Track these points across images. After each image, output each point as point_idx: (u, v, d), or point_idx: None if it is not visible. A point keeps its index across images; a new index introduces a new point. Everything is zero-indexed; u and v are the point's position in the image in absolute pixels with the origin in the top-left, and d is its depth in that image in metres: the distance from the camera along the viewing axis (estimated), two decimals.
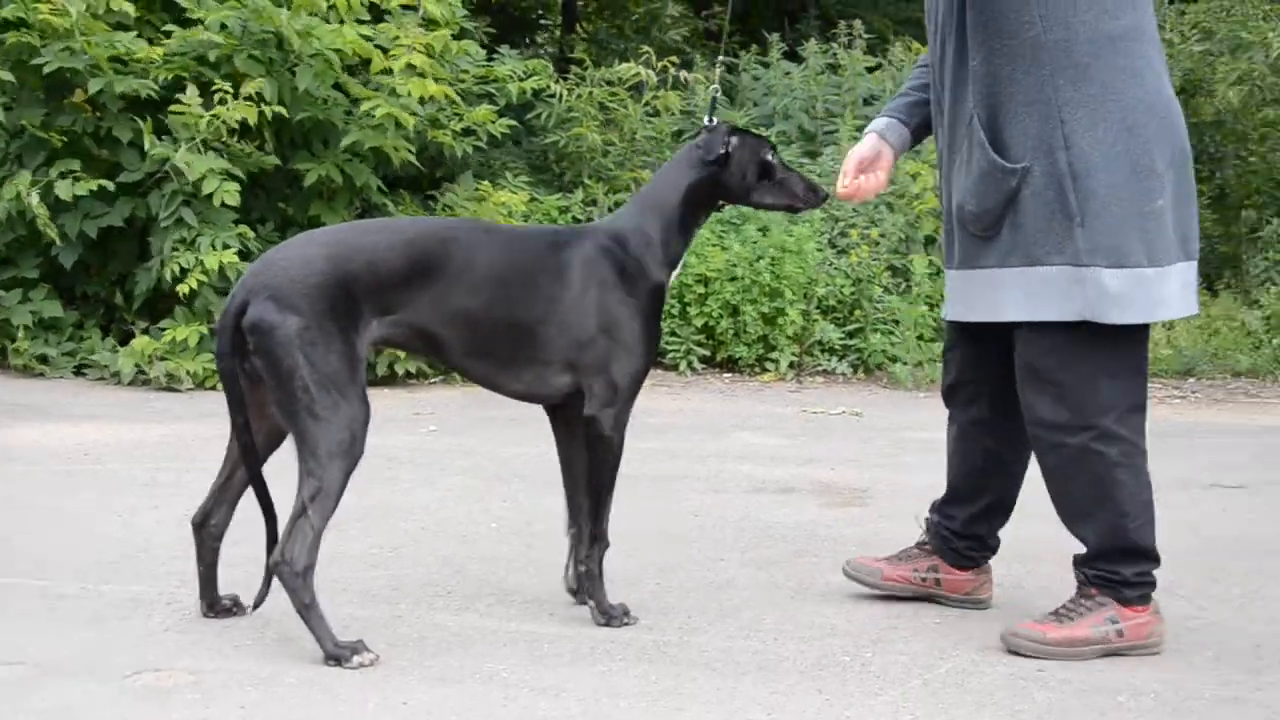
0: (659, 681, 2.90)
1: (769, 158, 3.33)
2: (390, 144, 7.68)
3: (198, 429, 6.05)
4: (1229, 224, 9.98)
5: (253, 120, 7.32)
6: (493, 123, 8.27)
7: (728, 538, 4.30)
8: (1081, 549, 3.22)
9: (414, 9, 8.00)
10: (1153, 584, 3.17)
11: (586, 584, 3.31)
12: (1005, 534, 3.60)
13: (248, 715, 2.68)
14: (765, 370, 8.34)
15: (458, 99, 8.10)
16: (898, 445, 6.09)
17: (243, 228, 7.42)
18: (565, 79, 9.50)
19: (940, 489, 3.57)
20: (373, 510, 4.54)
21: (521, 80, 8.77)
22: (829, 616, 3.43)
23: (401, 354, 7.60)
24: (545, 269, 3.15)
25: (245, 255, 7.40)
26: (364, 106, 7.58)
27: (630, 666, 3.00)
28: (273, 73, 7.56)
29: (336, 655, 2.95)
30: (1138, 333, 3.11)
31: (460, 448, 5.86)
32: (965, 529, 3.50)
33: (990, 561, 3.56)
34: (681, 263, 3.34)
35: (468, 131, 8.33)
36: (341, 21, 7.71)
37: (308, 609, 2.96)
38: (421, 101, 7.76)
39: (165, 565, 3.78)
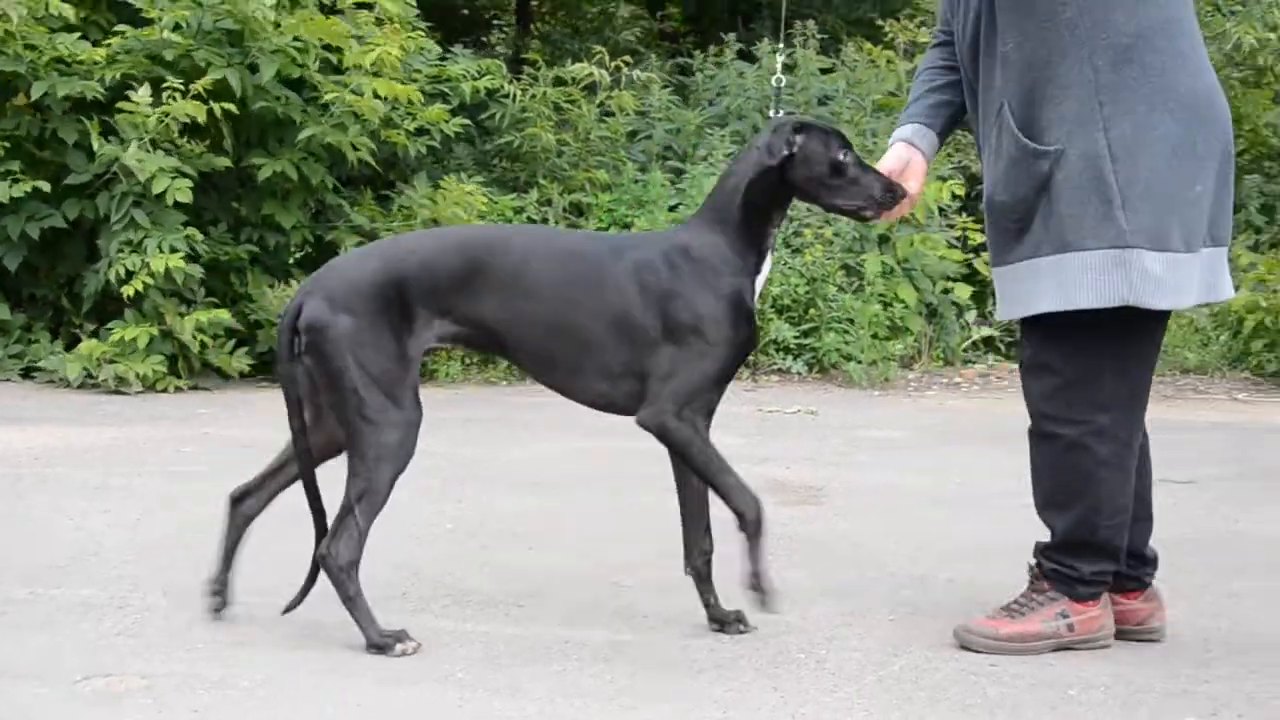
0: (615, 681, 2.91)
1: (841, 156, 3.09)
2: (350, 140, 7.65)
3: (148, 432, 6.00)
4: None
5: (201, 118, 7.26)
6: (446, 122, 8.25)
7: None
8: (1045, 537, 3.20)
9: (369, 7, 7.97)
10: (1108, 583, 3.16)
11: (751, 549, 3.13)
12: (960, 531, 3.63)
13: (200, 719, 2.66)
14: None
15: (418, 98, 8.08)
16: (852, 444, 6.12)
17: (191, 230, 7.36)
18: (519, 79, 9.49)
19: (895, 488, 3.56)
20: (329, 511, 4.50)
21: (475, 80, 8.75)
22: (784, 614, 3.44)
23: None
24: (606, 277, 3.06)
25: (194, 258, 7.36)
26: (328, 97, 7.53)
27: (586, 666, 3.01)
28: (232, 66, 7.50)
29: (381, 644, 3.01)
30: (1151, 330, 3.06)
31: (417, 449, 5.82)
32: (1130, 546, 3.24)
33: (1156, 584, 3.30)
34: (768, 265, 3.16)
35: (421, 131, 8.30)
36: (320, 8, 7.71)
37: (352, 600, 3.03)
38: (379, 98, 7.73)
39: (117, 569, 3.75)
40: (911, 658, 3.11)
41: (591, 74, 9.29)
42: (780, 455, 5.80)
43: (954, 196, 9.03)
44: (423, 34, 8.62)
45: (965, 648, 3.13)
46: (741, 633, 3.21)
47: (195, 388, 7.45)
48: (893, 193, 3.13)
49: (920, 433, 6.60)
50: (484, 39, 13.16)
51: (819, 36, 10.62)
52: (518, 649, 3.11)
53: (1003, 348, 9.37)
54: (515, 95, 9.15)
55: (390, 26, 7.68)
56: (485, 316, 3.05)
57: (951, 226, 9.21)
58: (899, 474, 5.41)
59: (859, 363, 8.17)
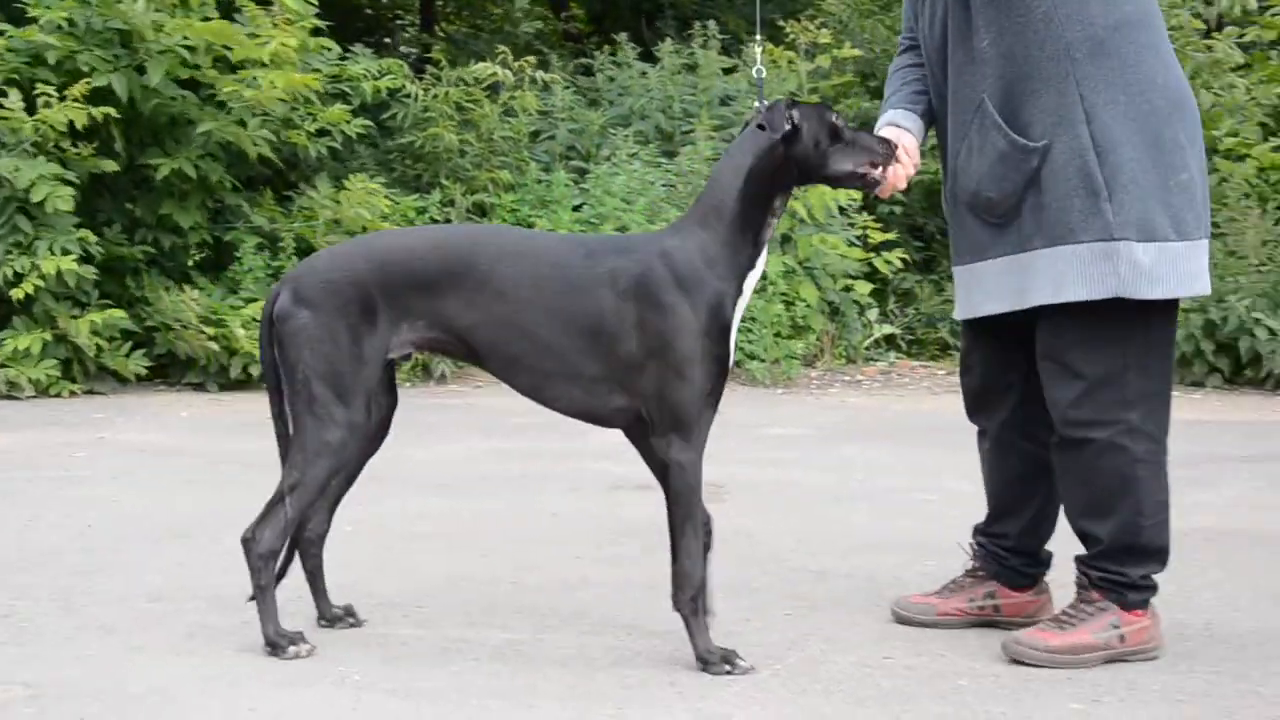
0: (512, 680, 2.91)
1: (834, 119, 3.03)
2: (249, 135, 7.55)
3: (40, 437, 5.89)
4: None
5: (80, 122, 7.12)
6: (347, 122, 8.19)
7: (584, 535, 4.32)
8: (1080, 549, 3.14)
9: (269, 4, 7.88)
10: (1155, 588, 3.08)
11: (686, 626, 3.01)
12: (859, 526, 3.66)
13: None
14: None
15: (315, 95, 8.01)
16: (755, 442, 6.16)
17: (84, 232, 7.23)
18: (421, 79, 9.43)
19: (796, 485, 3.58)
20: (225, 515, 4.45)
21: (376, 80, 8.69)
22: None
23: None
24: (579, 282, 2.96)
25: (88, 259, 7.23)
26: (226, 88, 7.42)
27: (483, 665, 3.00)
28: (120, 70, 7.38)
29: (275, 642, 2.98)
30: (1169, 319, 3.04)
31: None
32: (1019, 544, 3.32)
33: (1047, 580, 3.36)
34: (762, 262, 3.05)
35: (322, 132, 8.23)
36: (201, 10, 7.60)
37: (262, 590, 2.99)
38: (282, 97, 7.65)
39: (4, 577, 3.67)
40: (808, 652, 3.14)
41: (494, 74, 9.26)
42: None
43: (850, 198, 9.12)
44: (322, 33, 8.54)
45: (1016, 661, 3.02)
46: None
47: (90, 392, 7.33)
48: (888, 144, 3.07)
49: (822, 430, 6.66)
50: (388, 40, 13.07)
51: (720, 37, 10.68)
52: (415, 650, 3.09)
53: (904, 345, 9.50)
54: (417, 95, 9.10)
55: (284, 19, 7.58)
56: (452, 320, 2.98)
57: (852, 225, 9.30)
58: (800, 471, 5.46)
59: (761, 361, 8.23)
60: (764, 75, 3.38)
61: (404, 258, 2.99)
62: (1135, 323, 2.97)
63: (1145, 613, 3.06)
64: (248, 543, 3.01)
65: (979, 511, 4.76)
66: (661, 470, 3.02)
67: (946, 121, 3.18)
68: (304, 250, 8.16)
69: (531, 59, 9.87)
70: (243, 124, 7.59)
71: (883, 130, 3.25)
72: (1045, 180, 2.96)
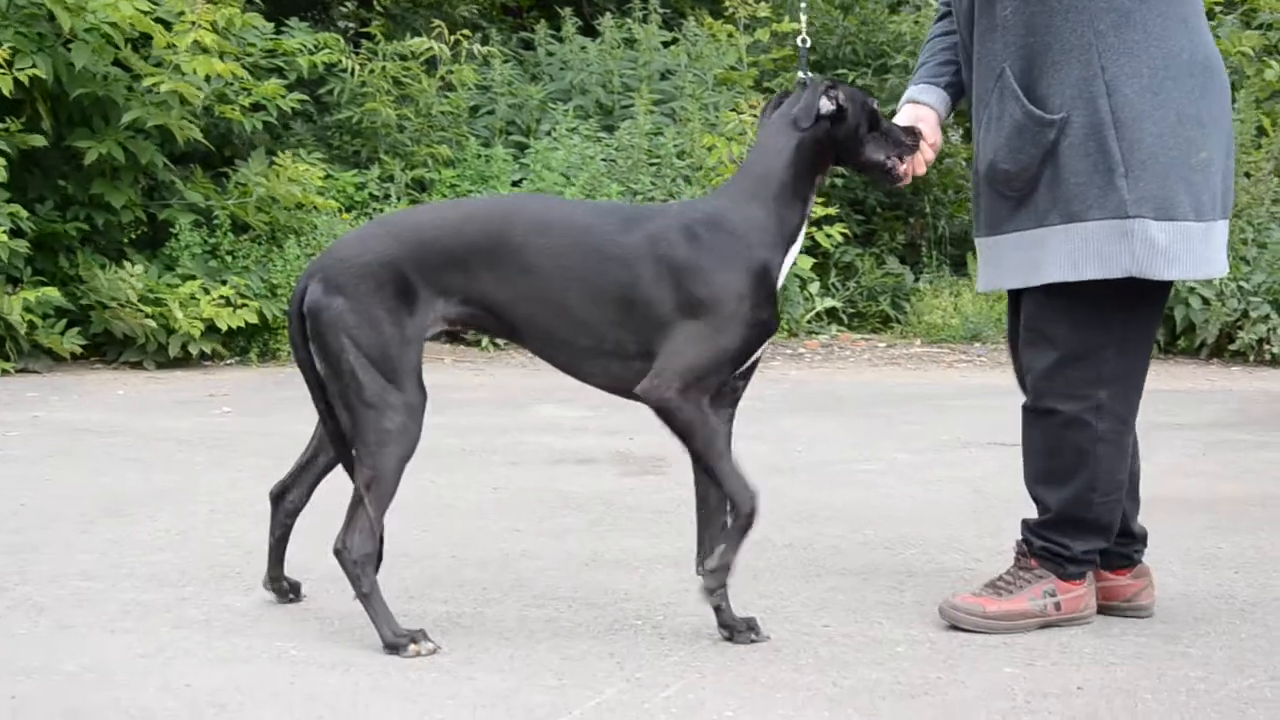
0: (452, 652, 2.90)
1: (874, 106, 3.05)
2: (175, 121, 7.45)
3: None
4: None
5: (6, 89, 7.00)
6: (283, 97, 8.10)
7: (525, 509, 4.31)
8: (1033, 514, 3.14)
9: None
10: (1096, 561, 3.09)
11: (733, 542, 2.95)
12: (800, 497, 3.66)
13: (19, 707, 2.59)
14: None
15: (245, 74, 7.90)
16: None
17: (15, 206, 7.12)
18: (358, 53, 9.35)
19: (738, 456, 3.52)
20: (161, 494, 4.43)
21: (312, 54, 8.60)
22: (623, 582, 3.47)
23: (195, 331, 7.43)
24: (616, 252, 2.87)
25: (18, 233, 7.13)
26: (147, 81, 7.32)
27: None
28: (45, 49, 7.25)
29: (395, 644, 2.86)
30: (1158, 303, 3.00)
31: (256, 428, 5.75)
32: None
33: (1146, 560, 3.25)
34: (801, 237, 3.01)
35: (257, 107, 8.14)
36: None
37: (367, 598, 2.89)
38: (208, 79, 7.55)
39: None
40: (746, 620, 3.15)
41: (431, 48, 9.20)
42: (626, 427, 5.83)
43: None
44: (258, 6, 8.44)
45: (954, 626, 3.04)
46: (753, 641, 2.96)
47: (25, 370, 7.23)
48: (915, 136, 3.09)
49: (764, 403, 6.68)
50: (327, 14, 12.91)
51: (660, 11, 10.66)
52: (353, 624, 3.07)
53: (845, 319, 9.54)
54: (354, 70, 9.01)
55: (202, 8, 7.46)
56: (488, 296, 2.89)
57: None
58: (743, 443, 5.40)
59: None
60: (809, 44, 3.31)
61: (435, 234, 2.88)
62: (1123, 301, 2.93)
63: (1082, 581, 3.09)
64: (340, 553, 2.89)
65: (916, 484, 4.82)
66: (663, 416, 2.89)
67: (971, 88, 3.12)
68: (239, 227, 8.08)
69: (469, 33, 9.81)
70: (168, 107, 7.45)
71: (904, 106, 3.25)
72: (1062, 154, 2.89)
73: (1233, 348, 8.29)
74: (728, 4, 10.93)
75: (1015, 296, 3.16)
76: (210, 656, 2.86)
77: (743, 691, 2.68)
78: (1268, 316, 8.13)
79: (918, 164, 3.16)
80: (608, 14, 10.79)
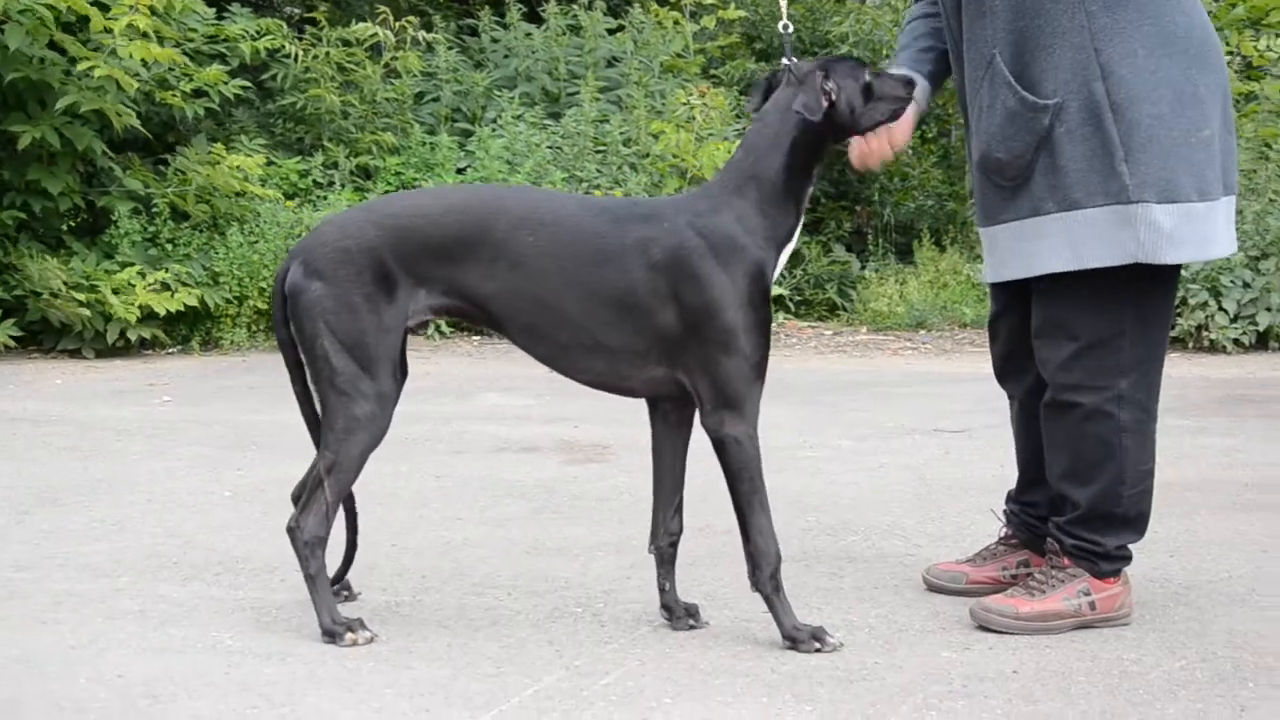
0: (390, 641, 2.88)
1: (867, 77, 2.92)
2: (112, 107, 7.35)
3: None
4: (954, 183, 10.43)
5: None
6: (225, 84, 8.02)
7: (467, 497, 4.30)
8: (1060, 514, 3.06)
9: None
10: (1129, 558, 3.02)
11: (769, 606, 2.90)
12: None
13: None
14: None
15: (186, 60, 7.81)
16: (641, 402, 6.15)
17: None
18: (302, 39, 9.26)
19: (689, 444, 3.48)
20: (97, 483, 4.38)
21: (254, 40, 8.51)
22: (563, 570, 3.47)
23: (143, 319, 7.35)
24: (606, 252, 2.82)
25: None
26: (81, 66, 7.21)
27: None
28: None
29: (332, 631, 2.85)
30: (1170, 284, 2.94)
31: (195, 417, 5.69)
32: (1051, 513, 3.14)
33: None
34: (798, 234, 2.94)
35: (199, 92, 8.05)
36: None
37: (313, 579, 2.87)
38: (146, 65, 7.45)
39: None
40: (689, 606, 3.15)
41: (376, 34, 9.13)
42: (571, 415, 5.83)
43: None
44: None
45: (984, 627, 2.96)
46: (692, 628, 2.98)
47: None
48: (909, 83, 2.98)
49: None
50: (273, 2, 12.79)
51: None
52: (290, 614, 3.05)
53: (792, 306, 9.56)
54: (297, 56, 8.93)
55: None
56: (470, 288, 2.84)
57: None
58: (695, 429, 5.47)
59: None
60: (791, 30, 3.20)
61: (418, 223, 2.83)
62: (1136, 287, 2.87)
63: (1117, 580, 3.01)
64: (292, 532, 2.86)
65: (860, 470, 4.84)
66: (716, 448, 2.90)
67: (959, 78, 3.07)
68: (179, 215, 8.00)
69: (414, 19, 9.75)
70: (105, 93, 7.35)
71: None
72: (1058, 140, 2.83)
73: (1171, 334, 8.37)
74: None
75: (1002, 287, 3.12)
76: (144, 647, 2.83)
77: (681, 678, 2.68)
78: (1206, 303, 8.22)
79: (874, 156, 3.06)
80: (553, 1, 10.75)
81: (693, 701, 2.56)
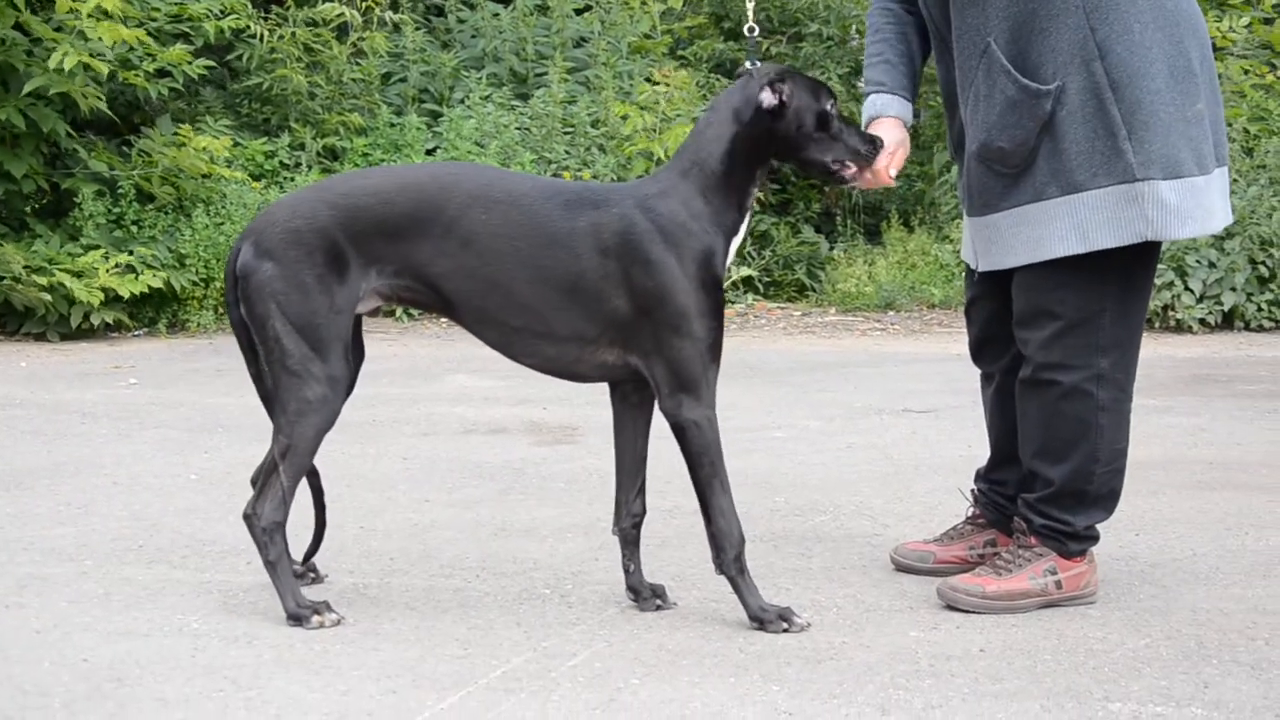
0: (357, 624, 2.87)
1: (828, 107, 2.88)
2: (79, 90, 7.28)
3: None
4: (923, 164, 10.44)
5: None
6: (189, 63, 7.95)
7: (435, 479, 4.29)
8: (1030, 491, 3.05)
9: None
10: (1096, 538, 3.03)
11: (734, 588, 2.90)
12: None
13: None
14: None
15: (150, 40, 7.73)
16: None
17: None
18: (267, 18, 9.19)
19: (657, 425, 3.46)
20: (62, 467, 4.35)
21: (219, 19, 8.44)
22: (532, 552, 3.46)
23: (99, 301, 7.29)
24: (557, 236, 2.79)
25: None
26: (54, 59, 7.11)
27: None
28: None
29: (298, 615, 2.83)
30: (1152, 264, 2.94)
31: (162, 400, 5.66)
32: (1019, 493, 3.15)
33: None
34: (746, 224, 2.92)
35: (163, 73, 7.98)
36: None
37: (273, 565, 2.85)
38: (110, 45, 7.38)
39: None
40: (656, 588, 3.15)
41: (342, 14, 9.07)
42: (539, 397, 5.82)
43: None
44: None
45: (951, 606, 2.97)
46: (659, 608, 2.97)
47: None
48: (873, 144, 2.94)
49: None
50: None
51: None
52: (257, 597, 3.04)
53: (761, 287, 9.57)
54: (263, 36, 8.86)
55: None
56: (421, 268, 2.81)
57: None
58: (656, 411, 5.47)
59: None
60: (756, 31, 3.18)
61: (369, 202, 2.80)
62: (1118, 265, 2.86)
63: (1083, 559, 3.02)
64: (249, 519, 2.85)
65: (828, 450, 4.85)
66: (675, 433, 2.87)
67: (951, 68, 3.03)
68: (144, 197, 7.94)
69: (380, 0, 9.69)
70: (71, 76, 7.27)
71: (869, 123, 3.11)
72: (1060, 124, 2.81)
73: None
74: None
75: (982, 274, 3.10)
76: (109, 630, 2.81)
77: (649, 659, 2.69)
78: (1172, 283, 8.27)
79: (880, 176, 3.02)
80: None
81: (660, 682, 2.56)
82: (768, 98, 2.83)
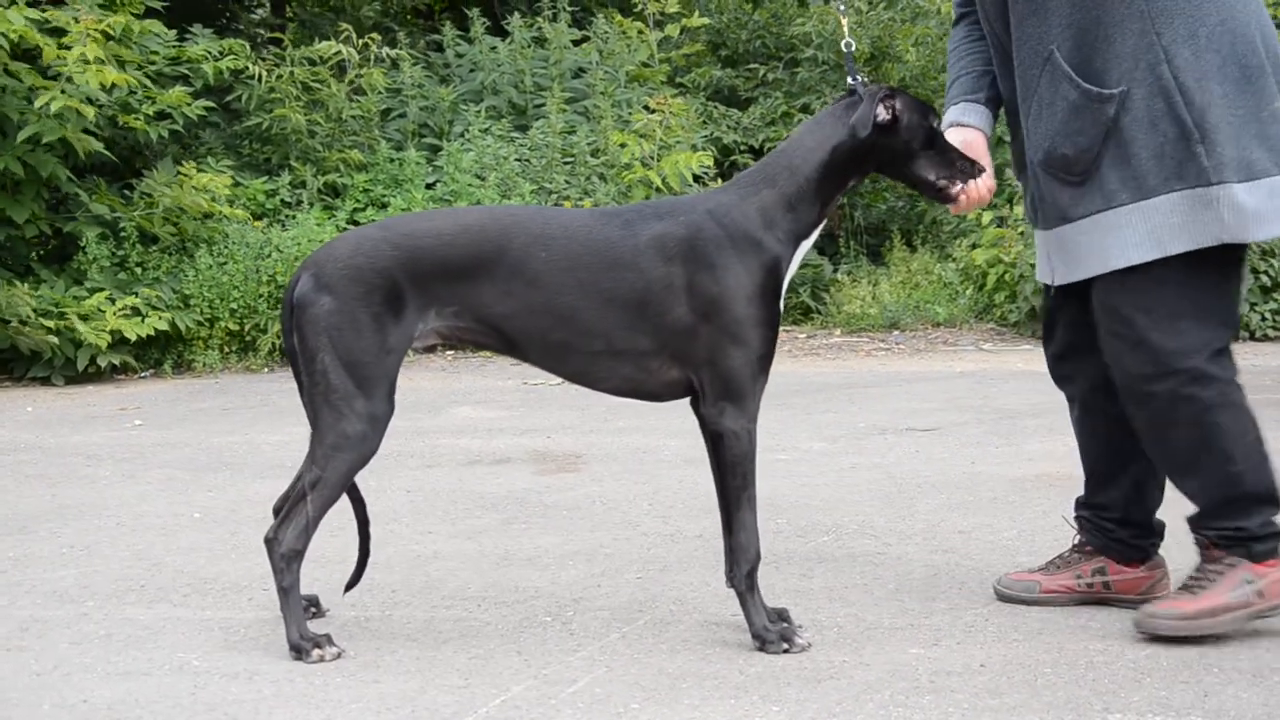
0: (358, 656, 2.88)
1: (934, 123, 2.93)
2: (74, 134, 7.32)
3: None
4: None
5: None
6: (188, 105, 8.00)
7: (439, 511, 4.29)
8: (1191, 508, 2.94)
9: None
10: (1279, 534, 2.86)
11: (741, 603, 2.92)
12: (711, 488, 3.64)
13: None
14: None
15: (148, 83, 7.79)
16: (613, 411, 6.16)
17: None
18: (265, 59, 9.25)
19: (652, 450, 3.50)
20: (66, 509, 4.36)
21: (217, 60, 8.49)
22: (534, 580, 3.46)
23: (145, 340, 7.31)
24: (620, 255, 2.81)
25: None
26: (40, 101, 7.15)
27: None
28: None
29: (299, 647, 2.84)
30: (1233, 263, 2.84)
31: (167, 440, 5.67)
32: (1125, 515, 3.07)
33: (1162, 552, 3.14)
34: (816, 235, 2.94)
35: (162, 115, 8.03)
36: (11, 3, 7.28)
37: (285, 593, 2.85)
38: (106, 89, 7.42)
39: None
40: (657, 613, 3.15)
41: (340, 52, 9.13)
42: (543, 426, 5.83)
43: (703, 166, 9.17)
44: (159, 13, 8.32)
45: (1153, 635, 2.83)
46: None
47: None
48: (974, 166, 2.94)
49: (676, 400, 6.69)
50: (238, 25, 12.80)
51: (570, 9, 10.65)
52: (258, 633, 3.04)
53: None
54: (261, 76, 8.91)
55: (90, 17, 7.31)
56: (485, 308, 2.83)
57: None
58: (657, 437, 5.48)
59: None
60: (854, 46, 3.20)
61: (432, 244, 2.82)
62: (1205, 268, 2.79)
63: (1277, 561, 2.85)
64: (270, 543, 2.86)
65: (831, 471, 4.85)
66: (712, 440, 2.89)
67: (1013, 79, 2.98)
68: (147, 238, 7.98)
69: (377, 35, 9.75)
70: (66, 120, 7.31)
71: (949, 129, 3.10)
72: (1126, 130, 2.77)
73: None
74: (637, 2, 10.93)
75: (1062, 287, 3.02)
76: (109, 671, 2.81)
77: (649, 683, 2.68)
78: None
79: (981, 193, 3.00)
80: (517, 14, 10.76)
81: (660, 705, 2.56)
82: (882, 113, 2.86)
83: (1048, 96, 2.86)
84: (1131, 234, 2.78)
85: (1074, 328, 3.06)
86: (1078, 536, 3.19)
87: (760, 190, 2.87)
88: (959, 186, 2.95)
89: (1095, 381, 3.04)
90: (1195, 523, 2.91)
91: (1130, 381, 2.86)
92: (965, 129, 3.10)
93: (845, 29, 3.38)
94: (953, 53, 3.22)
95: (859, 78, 2.98)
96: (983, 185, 2.99)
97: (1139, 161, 2.76)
